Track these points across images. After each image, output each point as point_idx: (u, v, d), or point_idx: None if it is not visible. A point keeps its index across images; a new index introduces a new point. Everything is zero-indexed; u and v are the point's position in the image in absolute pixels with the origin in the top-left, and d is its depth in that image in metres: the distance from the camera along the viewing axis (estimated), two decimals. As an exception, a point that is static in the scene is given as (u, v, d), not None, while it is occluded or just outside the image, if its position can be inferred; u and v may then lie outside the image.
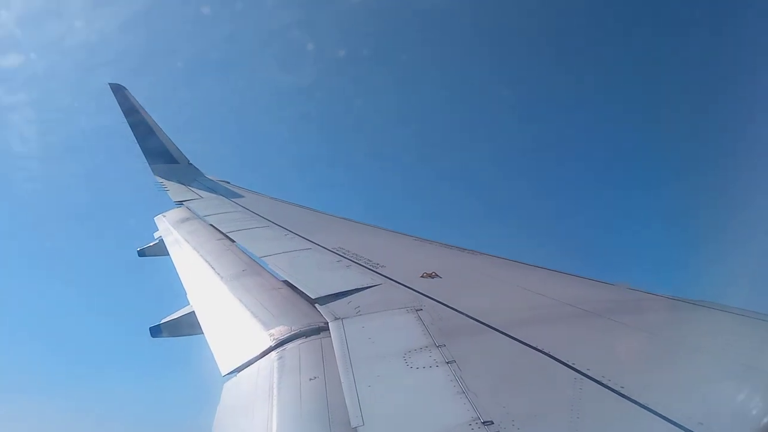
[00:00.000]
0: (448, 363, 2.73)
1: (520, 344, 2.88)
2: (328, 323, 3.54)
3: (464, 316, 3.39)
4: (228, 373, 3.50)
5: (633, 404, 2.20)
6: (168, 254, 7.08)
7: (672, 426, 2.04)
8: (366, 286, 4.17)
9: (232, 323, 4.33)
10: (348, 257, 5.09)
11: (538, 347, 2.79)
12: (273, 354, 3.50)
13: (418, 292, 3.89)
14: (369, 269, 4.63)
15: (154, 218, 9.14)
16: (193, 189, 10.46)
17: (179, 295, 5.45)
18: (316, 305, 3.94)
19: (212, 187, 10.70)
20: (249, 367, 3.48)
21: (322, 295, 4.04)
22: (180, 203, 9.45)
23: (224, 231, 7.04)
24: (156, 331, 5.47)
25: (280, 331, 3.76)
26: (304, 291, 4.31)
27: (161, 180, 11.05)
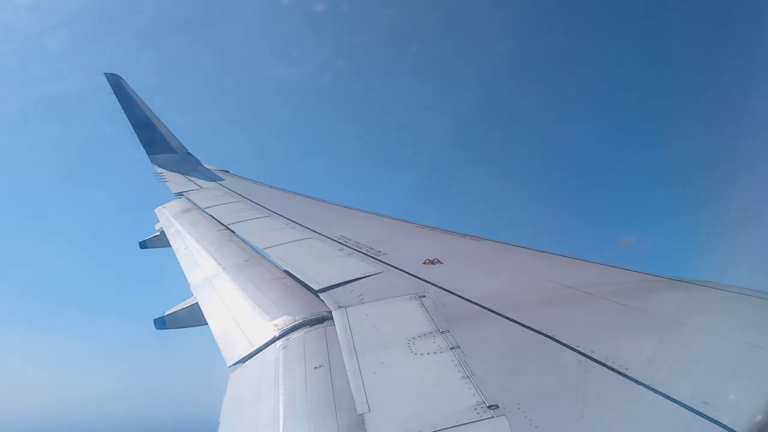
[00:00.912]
0: (452, 348, 2.73)
1: (524, 328, 2.89)
2: (331, 312, 3.55)
3: (467, 302, 3.39)
4: (233, 364, 3.53)
5: (637, 385, 2.21)
6: (170, 246, 7.08)
7: (677, 406, 2.05)
8: (369, 274, 4.17)
9: (235, 314, 4.34)
10: (350, 246, 5.09)
11: (542, 331, 2.79)
12: (278, 343, 3.51)
13: (421, 279, 3.89)
14: (371, 257, 4.63)
15: (155, 210, 9.12)
16: (192, 179, 10.42)
17: (182, 286, 5.47)
18: (319, 294, 3.95)
19: (212, 177, 10.65)
20: (254, 358, 3.50)
21: (325, 284, 4.05)
22: (180, 194, 9.43)
23: (225, 222, 7.03)
24: (160, 323, 5.49)
25: (284, 320, 3.77)
26: (306, 281, 4.31)
27: (161, 170, 11.00)
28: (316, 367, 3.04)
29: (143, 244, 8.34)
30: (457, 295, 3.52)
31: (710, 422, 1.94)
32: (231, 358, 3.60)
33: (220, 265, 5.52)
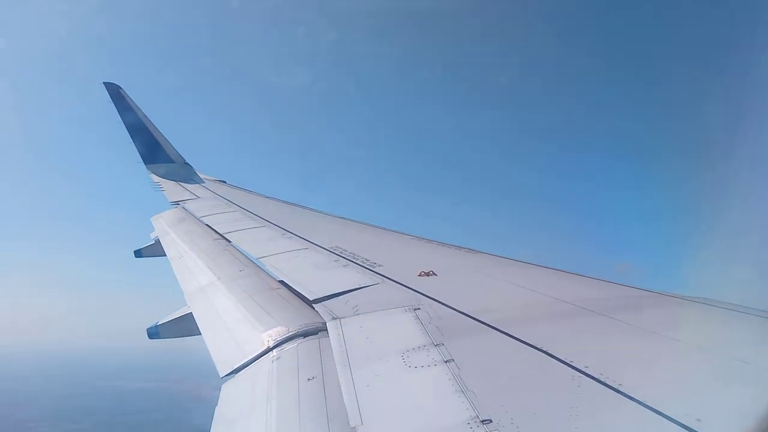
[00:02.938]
0: (446, 362, 2.72)
1: (518, 342, 2.88)
2: (326, 323, 3.54)
3: (462, 315, 3.39)
4: (226, 375, 3.50)
5: (631, 401, 2.21)
6: (165, 255, 7.06)
7: (670, 423, 2.04)
8: (363, 285, 4.16)
9: (229, 324, 4.32)
10: (345, 256, 5.08)
11: (536, 345, 2.79)
12: (271, 354, 3.49)
13: (416, 291, 3.89)
14: (366, 268, 4.62)
15: (151, 219, 9.12)
16: (189, 189, 10.44)
17: (176, 296, 5.44)
18: (314, 305, 3.94)
19: (208, 187, 10.68)
20: (247, 368, 3.48)
21: (320, 295, 4.04)
22: (176, 203, 9.43)
23: (221, 231, 7.03)
24: (153, 332, 5.45)
25: (278, 331, 3.76)
26: (301, 291, 4.30)
27: (157, 180, 11.03)
28: (309, 379, 3.02)
29: (138, 253, 8.32)
30: (451, 308, 3.51)
31: None
32: (224, 368, 3.57)
33: (215, 274, 5.51)
